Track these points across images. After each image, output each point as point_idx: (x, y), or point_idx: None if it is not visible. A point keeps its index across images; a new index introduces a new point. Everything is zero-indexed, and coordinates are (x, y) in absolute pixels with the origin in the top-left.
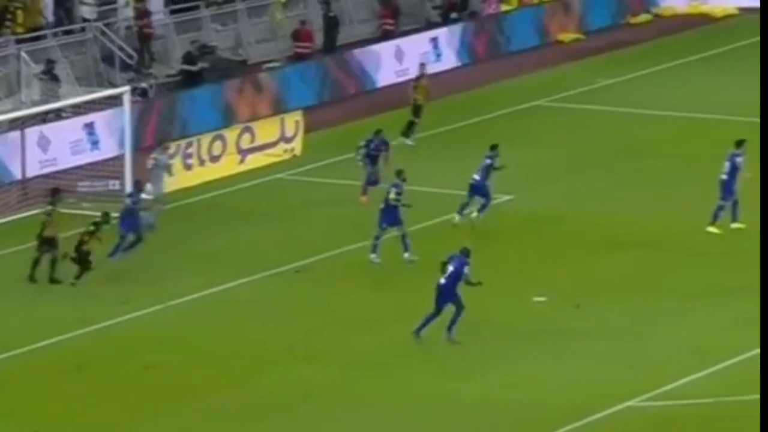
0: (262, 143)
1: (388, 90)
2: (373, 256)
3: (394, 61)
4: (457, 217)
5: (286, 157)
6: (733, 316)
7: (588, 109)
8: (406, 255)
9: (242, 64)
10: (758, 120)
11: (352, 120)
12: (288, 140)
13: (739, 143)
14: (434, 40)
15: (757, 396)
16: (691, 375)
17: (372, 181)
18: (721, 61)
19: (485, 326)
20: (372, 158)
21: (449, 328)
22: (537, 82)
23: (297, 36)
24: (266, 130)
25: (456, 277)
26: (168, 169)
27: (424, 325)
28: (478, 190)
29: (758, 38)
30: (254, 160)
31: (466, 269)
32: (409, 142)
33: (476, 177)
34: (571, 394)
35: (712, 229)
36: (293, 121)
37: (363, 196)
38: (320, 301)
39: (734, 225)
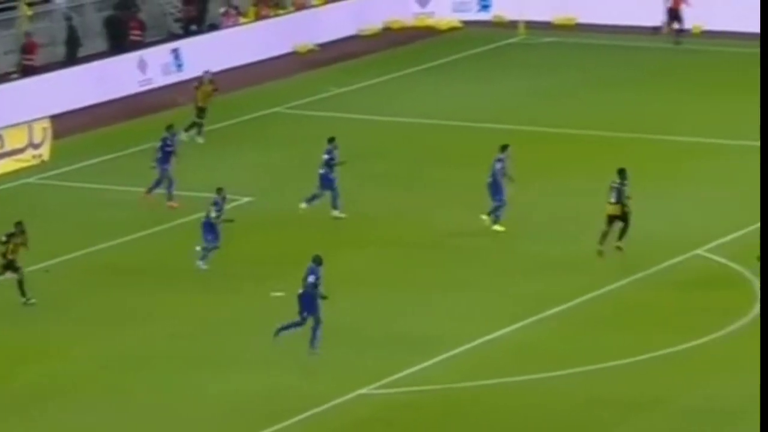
0: (11, 149)
1: (132, 99)
2: (200, 263)
3: (138, 71)
4: (303, 204)
5: (35, 162)
6: (463, 308)
7: (323, 116)
8: (199, 263)
9: None
10: (481, 125)
11: (99, 127)
12: (36, 146)
13: (503, 147)
14: (175, 51)
15: (486, 381)
16: (421, 363)
17: (159, 183)
18: (446, 70)
19: (229, 325)
20: (164, 158)
21: (311, 342)
22: (275, 90)
23: (24, 49)
24: (14, 136)
25: (313, 286)
26: None
27: (286, 327)
28: (326, 182)
29: (480, 49)
30: (3, 166)
31: (311, 278)
32: (199, 140)
33: (321, 171)
34: (305, 382)
35: (497, 227)
36: (41, 128)
37: (169, 202)
38: (69, 300)
39: (496, 227)
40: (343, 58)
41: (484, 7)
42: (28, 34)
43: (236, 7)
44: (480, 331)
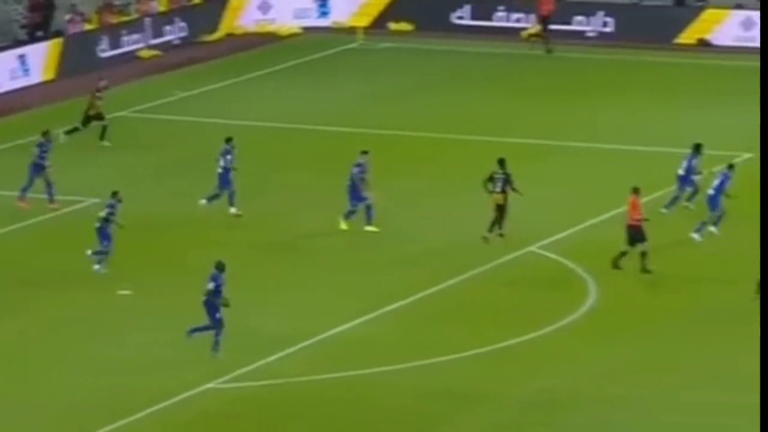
0: None
1: None
2: (97, 267)
3: None
4: (203, 201)
5: None
6: (309, 305)
7: (169, 119)
8: (96, 267)
9: None
10: (322, 128)
11: None
12: None
13: (364, 152)
14: (22, 57)
15: (328, 375)
16: (267, 358)
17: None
18: (287, 75)
19: (78, 324)
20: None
21: (213, 347)
22: (121, 94)
23: None
24: None
25: (216, 293)
26: None
27: (199, 329)
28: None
29: (319, 55)
30: None
31: (210, 285)
32: (106, 143)
33: (219, 170)
34: (152, 378)
35: (370, 228)
36: None
37: (21, 202)
38: None
39: (369, 227)
40: (187, 64)
41: (324, 13)
42: None
43: (81, 14)
44: (323, 327)
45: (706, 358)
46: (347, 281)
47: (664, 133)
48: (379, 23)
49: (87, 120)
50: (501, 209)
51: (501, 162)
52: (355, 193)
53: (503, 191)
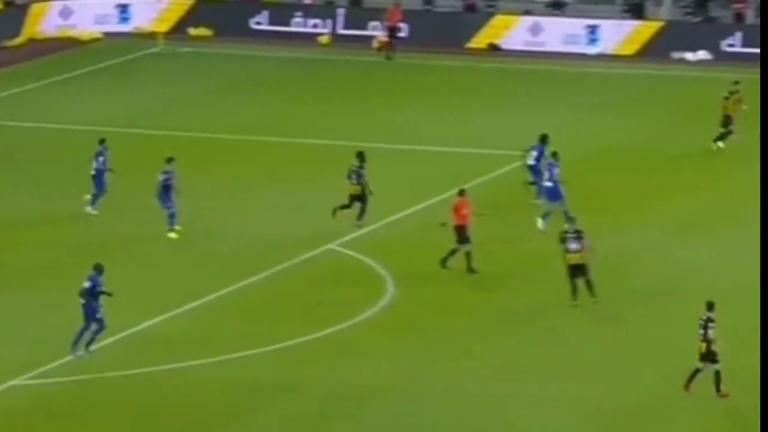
0: None
1: None
2: None
3: None
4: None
5: None
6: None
7: None
8: None
9: None
10: (122, 131)
11: None
12: None
13: (169, 160)
14: None
15: (137, 370)
16: (69, 355)
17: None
18: (88, 80)
19: None
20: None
21: (88, 344)
22: None
23: None
24: None
25: (91, 293)
26: None
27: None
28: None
29: (120, 59)
30: None
31: (86, 284)
32: None
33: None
34: None
35: (171, 234)
36: None
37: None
38: None
39: (171, 234)
40: None
41: (124, 19)
42: None
43: None
44: (129, 323)
45: (499, 351)
46: (154, 279)
47: (458, 134)
48: (179, 29)
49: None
50: (356, 199)
51: (359, 155)
52: (166, 198)
53: (359, 183)
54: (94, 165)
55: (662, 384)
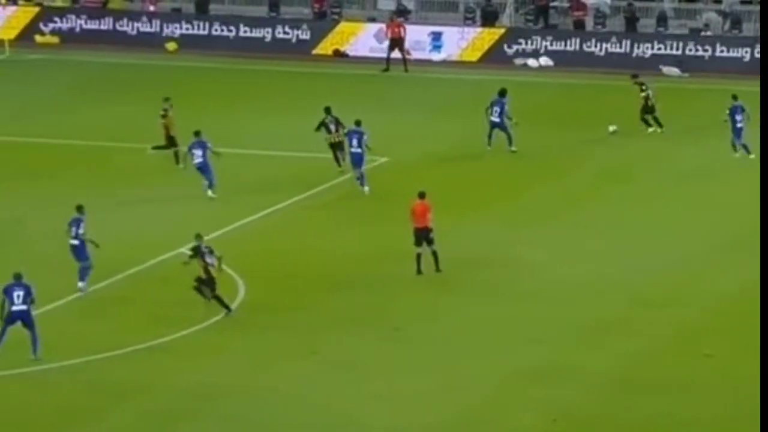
0: None
1: None
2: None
3: None
4: None
5: None
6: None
7: None
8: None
9: None
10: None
11: None
12: None
13: None
14: None
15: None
16: None
17: None
18: None
19: None
20: None
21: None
22: None
23: None
24: None
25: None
26: None
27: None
28: None
29: None
30: None
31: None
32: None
33: None
34: None
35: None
36: None
37: None
38: None
39: None
40: None
41: None
42: None
43: None
44: None
45: (344, 349)
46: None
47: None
48: (26, 35)
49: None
50: (337, 146)
51: (327, 109)
52: None
53: (337, 130)
54: None
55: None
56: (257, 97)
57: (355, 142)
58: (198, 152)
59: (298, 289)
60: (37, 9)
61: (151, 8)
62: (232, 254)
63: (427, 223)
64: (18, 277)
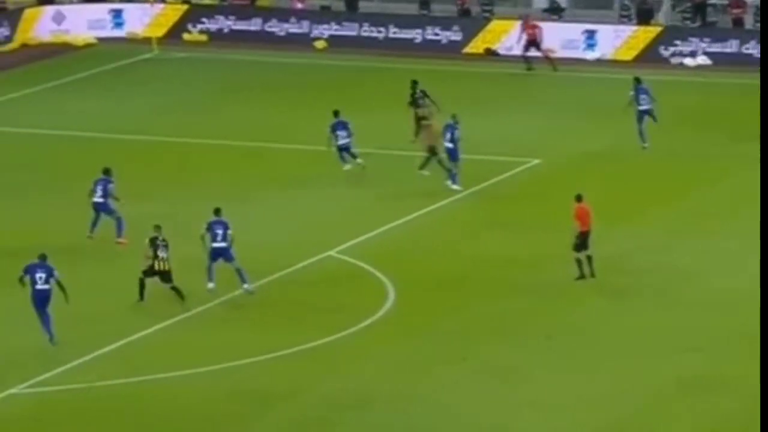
0: None
1: None
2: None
3: None
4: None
5: None
6: (104, 311)
7: None
8: None
9: None
10: (118, 137)
11: None
12: None
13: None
14: None
15: (130, 379)
16: (70, 363)
17: None
18: (81, 85)
19: None
20: None
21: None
22: None
23: None
24: None
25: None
26: None
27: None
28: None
29: (114, 65)
30: None
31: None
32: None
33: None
34: None
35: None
36: None
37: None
38: None
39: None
40: None
41: (118, 24)
42: None
43: None
44: (129, 331)
45: (497, 355)
46: (151, 286)
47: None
48: (173, 33)
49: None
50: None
51: (414, 83)
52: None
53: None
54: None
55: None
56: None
57: (448, 135)
58: (342, 132)
59: (450, 293)
60: (185, 7)
61: (299, 5)
62: (383, 257)
63: (587, 227)
64: (43, 257)
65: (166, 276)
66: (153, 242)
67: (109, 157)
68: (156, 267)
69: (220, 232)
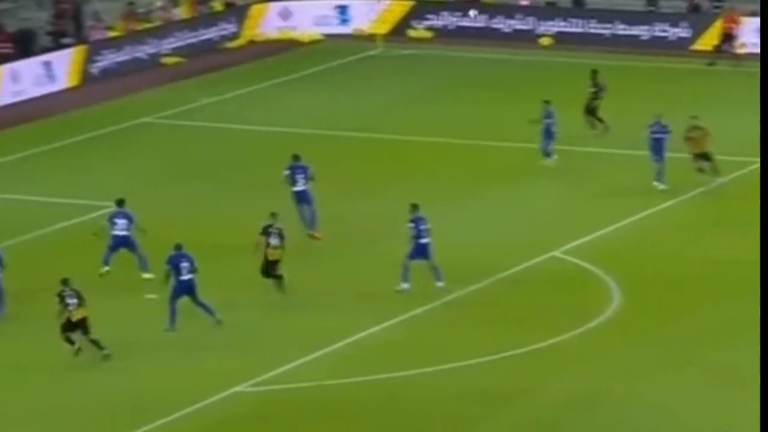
0: None
1: (4, 109)
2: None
3: (10, 83)
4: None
5: None
6: (334, 308)
7: (191, 125)
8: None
9: None
10: (341, 134)
11: None
12: None
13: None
14: (47, 63)
15: (357, 378)
16: (295, 361)
17: None
18: (308, 82)
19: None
20: None
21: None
22: (145, 100)
23: None
24: None
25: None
26: None
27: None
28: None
29: (340, 61)
30: None
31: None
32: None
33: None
34: (181, 383)
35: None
36: None
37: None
38: None
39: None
40: (209, 70)
41: (344, 21)
42: None
43: (104, 21)
44: (349, 330)
45: (725, 359)
46: (370, 285)
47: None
48: (399, 30)
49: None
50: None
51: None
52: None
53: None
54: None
55: None
56: (633, 95)
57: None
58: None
59: (676, 296)
60: (411, 4)
61: (524, 2)
62: (608, 258)
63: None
64: (179, 247)
65: (272, 266)
66: (266, 230)
67: (332, 154)
68: (267, 257)
69: (424, 227)
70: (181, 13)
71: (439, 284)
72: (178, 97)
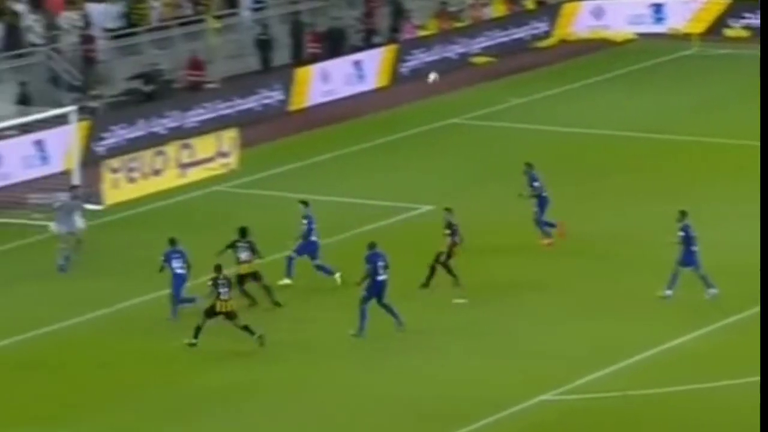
0: (201, 158)
1: (315, 109)
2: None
3: (320, 82)
4: None
5: (224, 171)
6: (643, 316)
7: (501, 126)
8: None
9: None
10: (653, 136)
11: (285, 136)
12: (224, 155)
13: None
14: (357, 63)
15: (663, 389)
16: (600, 370)
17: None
18: (622, 82)
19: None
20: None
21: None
22: (454, 101)
23: (191, 65)
24: (204, 145)
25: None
26: (79, 209)
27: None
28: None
29: (654, 61)
30: (194, 174)
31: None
32: None
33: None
34: (485, 389)
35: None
36: (229, 137)
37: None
38: None
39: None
40: (520, 70)
41: (659, 19)
42: (194, 52)
43: (410, 19)
44: (658, 339)
45: None
46: (680, 292)
47: None
48: (714, 30)
49: None
50: None
51: None
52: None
53: None
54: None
55: None
56: None
57: None
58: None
59: None
60: (727, 2)
61: None
62: None
63: None
64: (372, 246)
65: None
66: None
67: (640, 156)
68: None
69: (693, 235)
70: (493, 11)
71: (712, 291)
72: (487, 97)
